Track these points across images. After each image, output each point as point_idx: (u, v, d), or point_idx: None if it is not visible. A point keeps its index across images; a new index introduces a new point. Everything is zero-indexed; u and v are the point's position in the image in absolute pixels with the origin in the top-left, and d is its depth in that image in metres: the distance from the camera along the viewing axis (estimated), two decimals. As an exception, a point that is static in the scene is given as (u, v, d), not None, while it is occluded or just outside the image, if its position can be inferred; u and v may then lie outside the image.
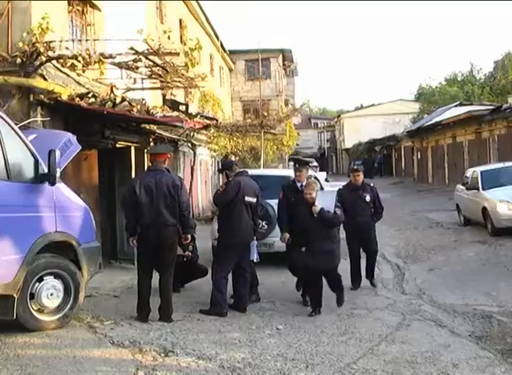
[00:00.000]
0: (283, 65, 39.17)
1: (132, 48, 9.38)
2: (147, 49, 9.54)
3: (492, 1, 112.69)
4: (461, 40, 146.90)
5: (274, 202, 10.01)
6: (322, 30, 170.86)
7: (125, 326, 6.55)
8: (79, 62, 8.99)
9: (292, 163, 39.53)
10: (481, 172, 14.34)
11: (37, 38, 8.75)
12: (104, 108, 9.39)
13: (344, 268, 10.48)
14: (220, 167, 9.29)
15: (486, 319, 6.78)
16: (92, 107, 9.26)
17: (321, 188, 12.47)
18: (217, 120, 18.29)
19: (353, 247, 8.94)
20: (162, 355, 5.58)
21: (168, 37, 10.17)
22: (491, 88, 45.53)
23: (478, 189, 13.76)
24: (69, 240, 6.54)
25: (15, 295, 5.88)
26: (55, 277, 6.40)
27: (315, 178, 12.74)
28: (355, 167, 9.43)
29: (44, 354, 5.59)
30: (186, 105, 14.12)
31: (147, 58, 9.81)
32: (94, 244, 7.20)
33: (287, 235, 7.96)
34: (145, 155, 11.99)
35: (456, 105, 32.83)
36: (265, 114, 26.68)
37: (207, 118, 16.09)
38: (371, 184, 9.27)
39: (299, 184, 8.04)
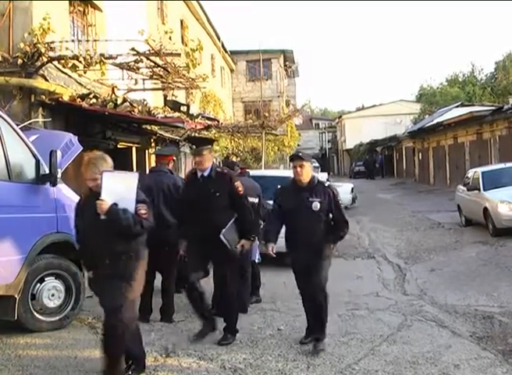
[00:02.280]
0: (284, 65, 39.17)
1: (133, 49, 9.39)
2: (149, 50, 9.56)
3: (493, 2, 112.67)
4: (462, 40, 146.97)
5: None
6: (324, 30, 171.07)
7: (126, 327, 6.54)
8: (80, 62, 9.01)
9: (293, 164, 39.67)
10: (483, 172, 14.33)
11: (38, 39, 8.77)
12: (105, 109, 9.41)
13: (346, 269, 10.54)
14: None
15: (487, 319, 6.77)
16: (93, 108, 9.28)
17: None
18: (218, 121, 18.31)
19: (298, 281, 6.16)
20: (163, 355, 5.59)
21: (170, 38, 10.19)
22: (492, 89, 45.50)
23: (479, 190, 13.74)
24: (70, 240, 6.54)
25: (16, 296, 5.88)
26: (56, 278, 6.40)
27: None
28: (299, 154, 6.05)
29: (46, 355, 5.59)
30: (188, 106, 14.15)
31: (148, 58, 9.83)
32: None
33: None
34: (146, 155, 12.01)
35: (457, 106, 32.78)
36: (266, 115, 26.69)
37: (208, 119, 16.12)
38: (327, 184, 6.16)
39: (199, 173, 6.13)
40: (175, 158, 7.84)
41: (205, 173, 6.05)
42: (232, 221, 5.98)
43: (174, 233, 6.89)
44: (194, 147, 6.24)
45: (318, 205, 5.76)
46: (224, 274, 6.12)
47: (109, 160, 4.77)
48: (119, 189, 4.54)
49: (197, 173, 6.14)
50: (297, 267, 6.00)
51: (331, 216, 5.92)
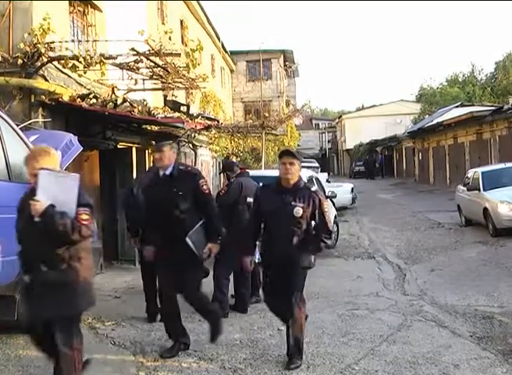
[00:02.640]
0: (284, 65, 39.18)
1: (133, 49, 9.39)
2: (149, 50, 9.55)
3: (493, 2, 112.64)
4: (462, 40, 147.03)
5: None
6: (324, 30, 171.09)
7: (126, 327, 6.56)
8: (80, 62, 9.00)
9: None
10: (483, 173, 14.34)
11: (38, 39, 8.77)
12: (105, 109, 9.40)
13: (346, 269, 10.55)
14: (221, 168, 9.29)
15: (487, 319, 6.77)
16: (93, 108, 9.27)
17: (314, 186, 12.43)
18: (218, 121, 18.31)
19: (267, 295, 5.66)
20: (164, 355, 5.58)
21: (170, 38, 10.20)
22: (492, 89, 45.49)
23: (479, 190, 13.75)
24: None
25: (16, 296, 5.88)
26: (56, 278, 6.39)
27: (316, 179, 12.80)
28: (290, 150, 5.83)
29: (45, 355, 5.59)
30: (188, 106, 14.15)
31: (148, 58, 9.82)
32: (95, 245, 7.19)
33: None
34: (146, 155, 12.01)
35: (457, 106, 32.80)
36: (266, 115, 26.68)
37: (208, 119, 16.11)
38: (314, 189, 5.69)
39: (161, 172, 5.66)
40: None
41: (167, 172, 5.57)
42: (199, 224, 5.52)
43: None
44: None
45: (300, 211, 5.19)
46: (185, 281, 5.56)
47: (55, 156, 4.34)
48: (58, 190, 4.05)
49: (158, 171, 5.67)
50: (274, 279, 5.41)
51: (313, 224, 5.35)
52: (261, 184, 6.22)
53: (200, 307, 5.74)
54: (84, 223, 4.06)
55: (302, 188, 5.35)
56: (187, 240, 5.38)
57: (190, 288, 5.57)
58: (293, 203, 5.22)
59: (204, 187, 5.61)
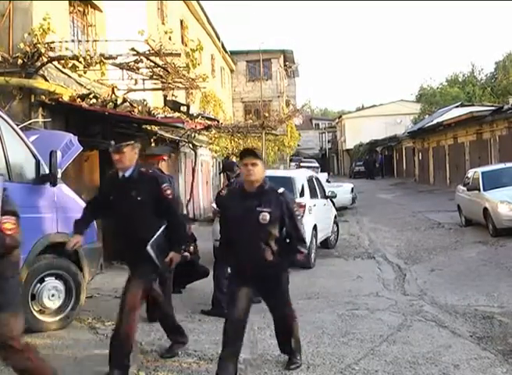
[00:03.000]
0: (284, 65, 39.19)
1: (133, 49, 9.39)
2: (149, 50, 9.55)
3: (493, 2, 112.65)
4: (462, 40, 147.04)
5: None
6: (324, 30, 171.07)
7: (126, 327, 6.54)
8: (80, 62, 9.01)
9: (293, 164, 39.59)
10: (483, 173, 14.34)
11: (38, 39, 8.77)
12: (105, 109, 9.40)
13: (346, 269, 10.55)
14: (221, 168, 9.30)
15: (487, 319, 6.77)
16: (93, 108, 9.28)
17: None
18: (218, 121, 18.32)
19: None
20: (164, 355, 5.58)
21: (170, 38, 10.20)
22: (492, 89, 45.50)
23: (479, 190, 13.75)
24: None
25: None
26: (56, 278, 6.40)
27: (316, 179, 12.80)
28: (252, 149, 5.18)
29: (46, 355, 5.56)
30: (188, 106, 14.16)
31: (148, 59, 9.82)
32: (96, 245, 7.22)
33: None
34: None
35: (457, 106, 32.81)
36: (266, 115, 26.69)
37: (208, 119, 16.12)
38: (281, 191, 4.86)
39: (120, 174, 5.19)
40: (165, 158, 7.84)
41: (126, 174, 5.11)
42: (160, 231, 5.06)
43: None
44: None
45: (267, 217, 4.60)
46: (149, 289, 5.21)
47: None
48: None
49: (118, 173, 5.20)
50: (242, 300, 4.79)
51: (284, 231, 4.80)
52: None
53: (126, 313, 4.98)
54: (8, 232, 3.65)
55: (268, 191, 4.77)
56: (148, 249, 4.93)
57: (133, 291, 4.98)
58: (258, 208, 4.64)
59: (168, 191, 5.13)
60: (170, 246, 5.13)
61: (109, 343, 4.98)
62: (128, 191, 5.02)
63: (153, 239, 4.97)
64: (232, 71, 36.72)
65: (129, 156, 5.06)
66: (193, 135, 17.55)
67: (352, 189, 22.91)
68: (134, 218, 5.03)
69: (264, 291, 4.90)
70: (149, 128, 12.52)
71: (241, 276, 4.80)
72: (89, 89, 10.24)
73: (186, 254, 8.40)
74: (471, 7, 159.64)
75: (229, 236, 4.93)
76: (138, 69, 10.04)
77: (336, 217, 13.79)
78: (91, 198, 5.55)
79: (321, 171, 33.83)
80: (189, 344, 5.88)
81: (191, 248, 8.41)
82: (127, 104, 10.23)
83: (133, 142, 5.15)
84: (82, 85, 10.33)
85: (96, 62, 9.14)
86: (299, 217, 4.86)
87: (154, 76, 10.78)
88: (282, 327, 5.18)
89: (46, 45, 8.84)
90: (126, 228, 5.12)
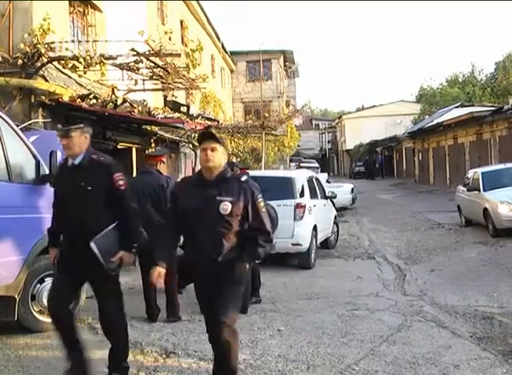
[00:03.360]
0: (284, 66, 39.21)
1: (133, 49, 9.40)
2: (149, 50, 9.56)
3: (493, 2, 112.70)
4: (462, 41, 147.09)
5: (275, 203, 10.06)
6: (323, 31, 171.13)
7: (126, 328, 6.54)
8: (80, 63, 9.01)
9: (293, 164, 39.55)
10: (482, 173, 14.34)
11: (38, 39, 8.77)
12: (105, 110, 9.41)
13: (346, 270, 10.55)
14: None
15: (487, 320, 6.76)
16: (93, 108, 9.28)
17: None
18: (218, 121, 18.33)
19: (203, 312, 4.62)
20: (163, 356, 5.59)
21: (170, 38, 10.20)
22: (492, 89, 45.53)
23: (479, 190, 13.75)
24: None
25: (16, 297, 5.88)
26: (56, 278, 6.40)
27: (316, 179, 12.80)
28: (210, 132, 4.63)
29: (46, 355, 5.59)
30: (188, 107, 14.17)
31: (148, 59, 9.83)
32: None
33: None
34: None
35: (457, 106, 32.82)
36: (266, 115, 26.70)
37: (208, 119, 16.14)
38: (244, 179, 4.41)
39: (70, 162, 4.70)
40: (164, 159, 7.84)
41: (76, 161, 4.63)
42: (111, 226, 4.57)
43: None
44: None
45: (228, 207, 4.11)
46: (106, 298, 4.76)
47: None
48: None
49: (67, 160, 4.73)
50: (199, 296, 4.49)
51: (249, 222, 4.22)
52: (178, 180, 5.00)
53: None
54: None
55: (229, 179, 4.27)
56: (92, 245, 4.44)
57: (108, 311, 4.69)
58: (218, 198, 4.13)
59: (120, 181, 4.62)
60: (120, 244, 4.60)
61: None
62: (76, 179, 4.55)
63: (100, 234, 4.49)
64: (232, 71, 36.74)
65: (77, 141, 4.58)
66: (193, 135, 17.56)
67: (352, 189, 22.91)
68: (83, 210, 4.53)
69: (212, 289, 4.21)
70: (149, 128, 12.52)
71: (195, 270, 4.34)
72: (89, 89, 10.24)
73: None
74: (471, 7, 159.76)
75: (177, 230, 4.36)
76: (138, 69, 10.05)
77: (335, 217, 13.79)
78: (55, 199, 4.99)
79: (321, 171, 33.83)
80: (189, 344, 5.89)
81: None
82: (127, 104, 10.24)
83: (82, 126, 4.69)
84: (82, 85, 10.34)
85: (96, 63, 9.15)
86: (263, 209, 4.27)
87: (154, 77, 10.79)
88: (214, 345, 4.27)
89: (46, 45, 8.85)
90: (72, 222, 4.60)
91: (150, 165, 7.25)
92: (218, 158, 4.22)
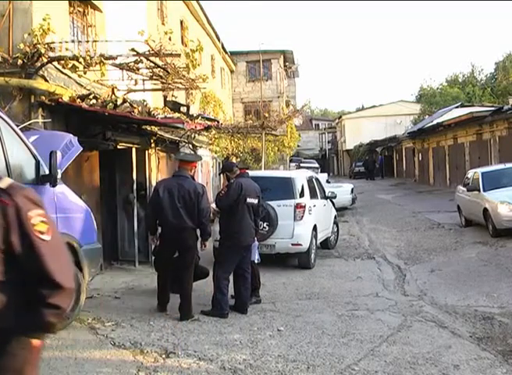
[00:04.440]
0: (284, 66, 39.20)
1: (133, 50, 9.38)
2: (148, 50, 9.54)
3: (493, 2, 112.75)
4: (462, 41, 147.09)
5: (275, 204, 10.07)
6: (323, 31, 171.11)
7: (126, 328, 6.56)
8: (80, 63, 9.00)
9: (293, 164, 39.56)
10: (482, 173, 14.34)
11: (38, 39, 8.76)
12: (105, 110, 9.39)
13: (346, 270, 10.55)
14: (221, 169, 9.35)
15: (487, 320, 6.77)
16: (93, 108, 9.27)
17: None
18: (218, 122, 18.30)
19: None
20: (163, 356, 5.59)
21: (170, 39, 10.18)
22: (492, 89, 45.57)
23: (479, 190, 13.75)
24: (70, 241, 6.54)
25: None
26: (56, 279, 6.39)
27: (316, 179, 12.81)
28: None
29: (45, 355, 5.58)
30: (188, 107, 14.16)
31: (148, 59, 9.82)
32: (95, 246, 7.22)
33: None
34: (146, 156, 12.01)
35: (457, 107, 32.84)
36: (266, 115, 26.66)
37: (208, 119, 16.11)
38: (3, 184, 2.12)
39: None
40: (196, 165, 8.09)
41: None
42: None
43: (192, 235, 7.23)
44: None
45: None
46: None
47: None
48: None
49: None
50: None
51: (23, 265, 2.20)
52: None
53: None
54: None
55: None
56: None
57: None
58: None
59: None
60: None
61: None
62: None
63: None
64: (232, 71, 36.72)
65: None
66: (193, 136, 17.54)
67: (352, 189, 22.93)
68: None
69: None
70: (149, 128, 12.52)
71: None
72: (89, 89, 10.23)
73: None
74: (472, 7, 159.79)
75: None
76: (138, 69, 10.03)
77: (335, 218, 13.80)
78: None
79: (321, 171, 33.87)
80: (189, 344, 5.89)
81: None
82: (127, 104, 10.21)
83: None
84: (82, 86, 10.33)
85: (96, 63, 9.13)
86: (46, 236, 2.18)
87: (154, 77, 10.77)
88: None
89: (46, 46, 8.83)
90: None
91: (185, 169, 7.40)
92: None
